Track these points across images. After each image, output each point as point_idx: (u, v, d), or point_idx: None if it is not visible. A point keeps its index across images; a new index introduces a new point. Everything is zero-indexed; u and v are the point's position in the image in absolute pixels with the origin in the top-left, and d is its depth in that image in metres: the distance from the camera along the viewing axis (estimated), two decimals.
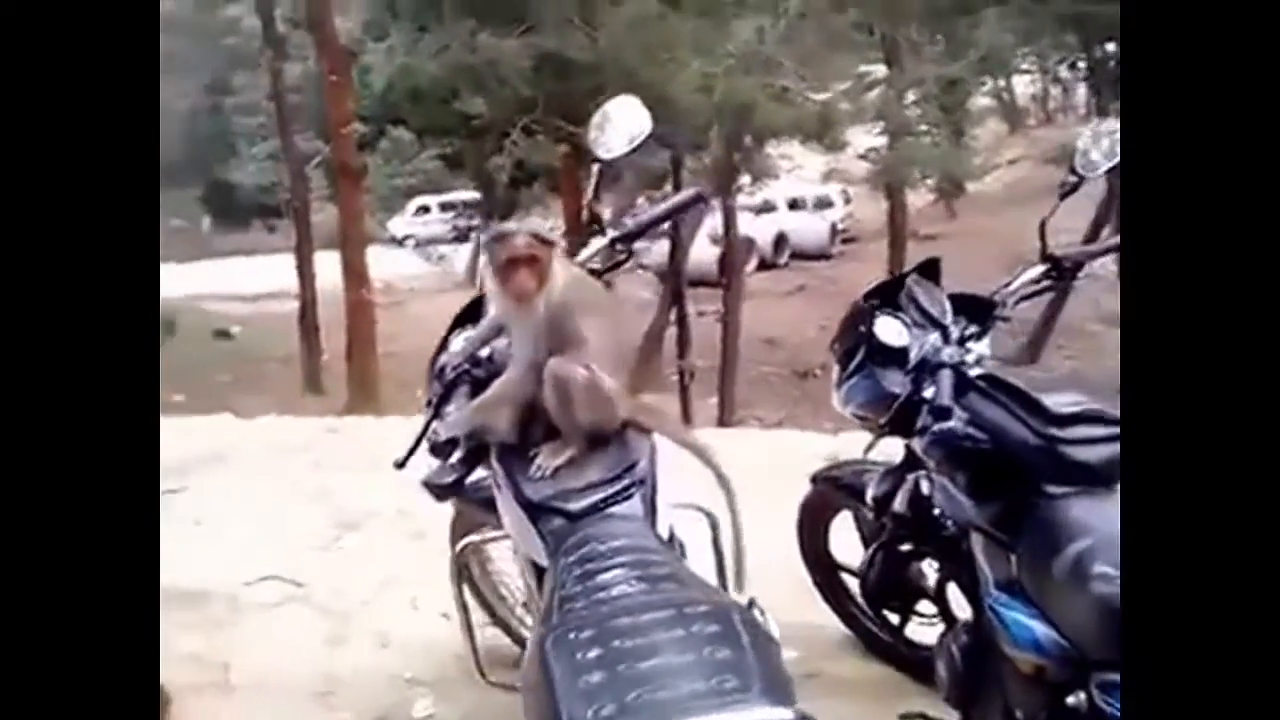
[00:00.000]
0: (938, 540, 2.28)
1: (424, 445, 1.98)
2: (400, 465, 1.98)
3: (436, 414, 2.00)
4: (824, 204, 22.02)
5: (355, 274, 12.74)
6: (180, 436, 5.31)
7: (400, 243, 23.64)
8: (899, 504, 2.33)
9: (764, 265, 20.52)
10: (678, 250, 11.86)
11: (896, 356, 2.15)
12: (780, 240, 21.45)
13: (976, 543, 2.05)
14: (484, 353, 2.08)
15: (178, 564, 3.52)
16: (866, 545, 2.55)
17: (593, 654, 1.36)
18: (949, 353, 2.09)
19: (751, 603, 1.77)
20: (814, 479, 2.80)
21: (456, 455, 1.97)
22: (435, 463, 1.98)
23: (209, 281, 21.85)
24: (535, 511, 1.82)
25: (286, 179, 16.34)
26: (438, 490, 1.98)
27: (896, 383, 2.13)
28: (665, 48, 8.08)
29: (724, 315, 11.77)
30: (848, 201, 21.68)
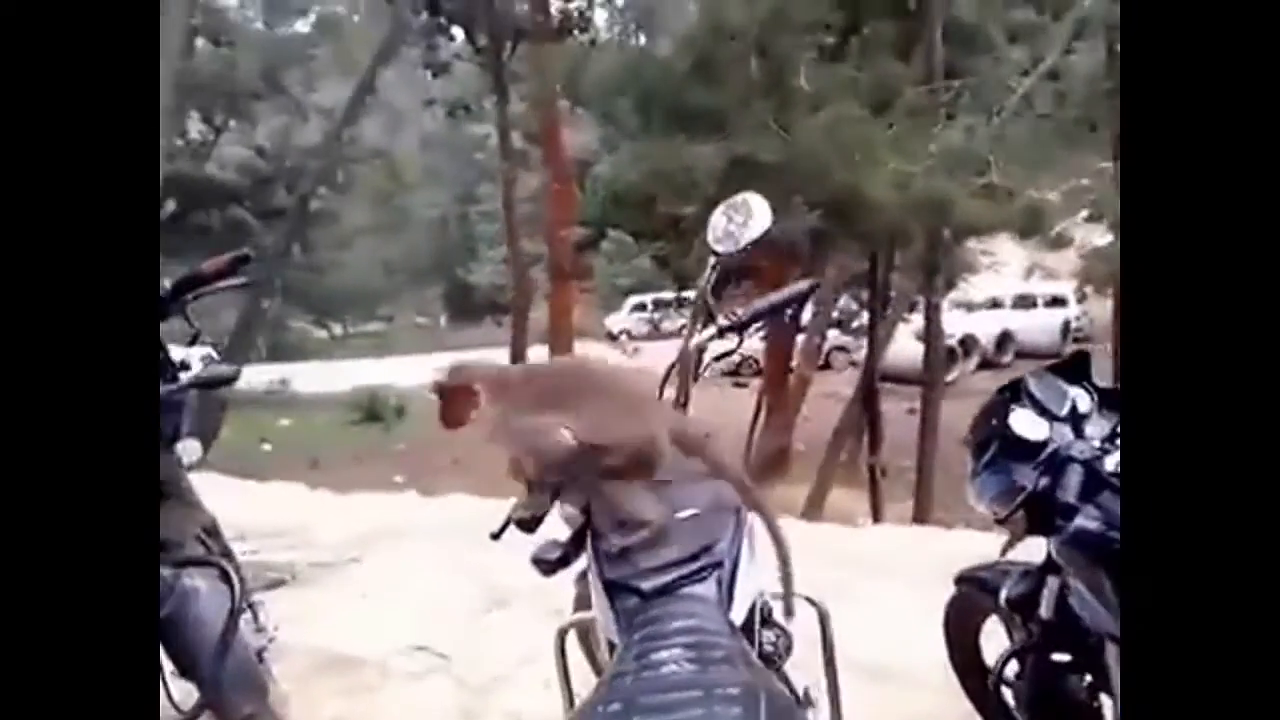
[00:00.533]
0: (1084, 650, 2.14)
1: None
2: (495, 536, 2.02)
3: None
4: (1058, 302, 21.39)
5: None
6: (368, 511, 5.68)
7: (614, 338, 24.64)
8: (1045, 609, 2.22)
9: (986, 364, 19.98)
10: (873, 347, 11.71)
11: (1032, 450, 2.08)
12: (1004, 338, 20.89)
13: (1111, 655, 1.94)
14: None
15: (340, 630, 3.77)
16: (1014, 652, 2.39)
17: None
18: (1080, 448, 2.02)
19: (805, 692, 1.70)
20: (958, 580, 2.67)
21: (564, 536, 1.98)
22: (542, 538, 2.01)
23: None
24: (612, 589, 1.82)
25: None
26: (544, 566, 1.97)
27: (1027, 477, 2.06)
28: (861, 150, 8.11)
29: (922, 412, 11.47)
30: (1082, 300, 20.77)
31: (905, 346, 13.26)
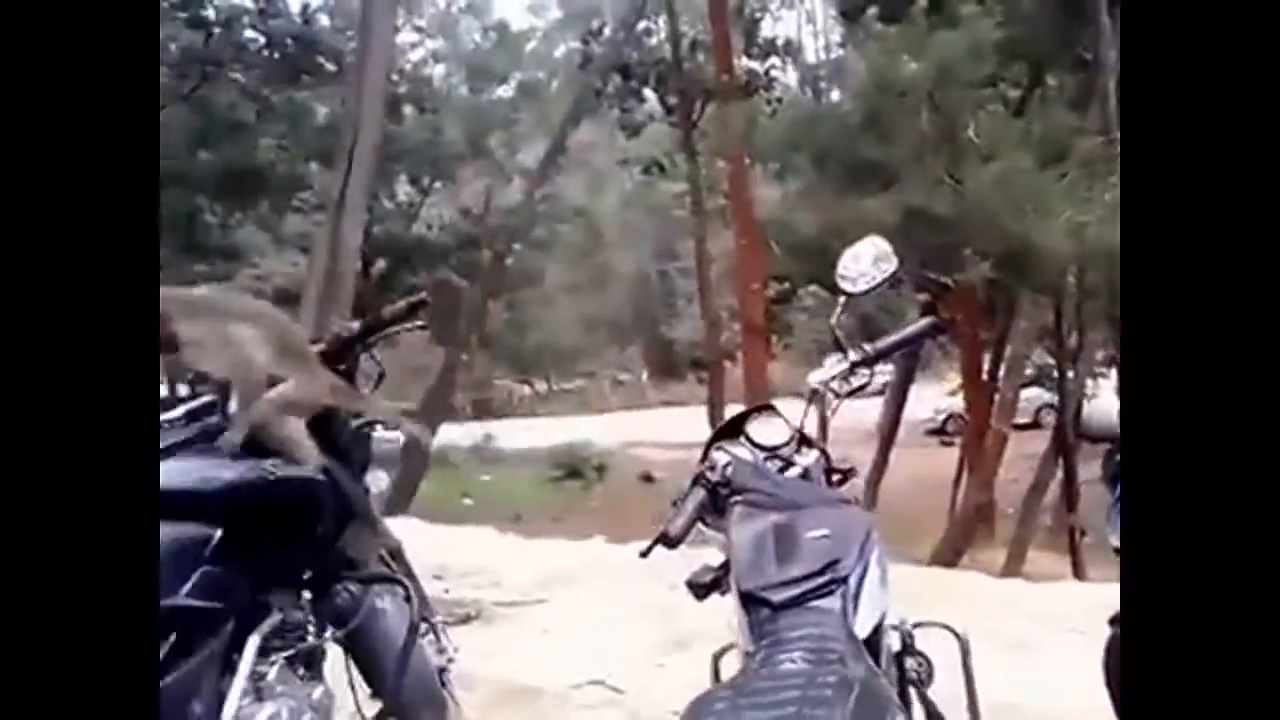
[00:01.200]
0: None
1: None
2: (644, 555, 2.16)
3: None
4: None
5: None
6: (558, 555, 6.01)
7: (815, 393, 24.29)
8: None
9: None
10: (1062, 401, 11.33)
11: None
12: None
13: None
14: (722, 459, 2.31)
15: (524, 663, 4.02)
16: None
17: (719, 705, 1.51)
18: None
19: (905, 688, 1.87)
20: (1111, 621, 2.71)
21: (716, 562, 2.17)
22: (698, 562, 2.06)
23: (640, 430, 23.80)
24: (747, 602, 1.91)
25: None
26: (698, 590, 2.07)
27: None
28: (1033, 200, 8.04)
29: None
30: None
31: (1109, 403, 12.71)
